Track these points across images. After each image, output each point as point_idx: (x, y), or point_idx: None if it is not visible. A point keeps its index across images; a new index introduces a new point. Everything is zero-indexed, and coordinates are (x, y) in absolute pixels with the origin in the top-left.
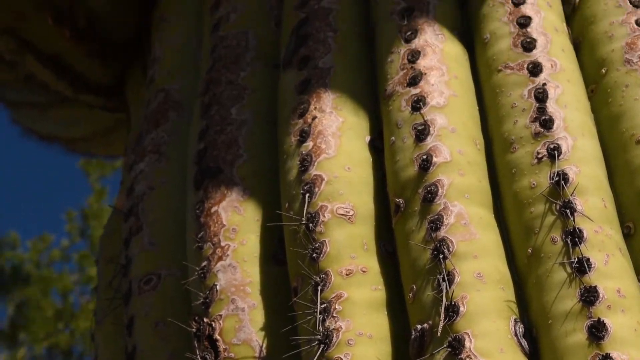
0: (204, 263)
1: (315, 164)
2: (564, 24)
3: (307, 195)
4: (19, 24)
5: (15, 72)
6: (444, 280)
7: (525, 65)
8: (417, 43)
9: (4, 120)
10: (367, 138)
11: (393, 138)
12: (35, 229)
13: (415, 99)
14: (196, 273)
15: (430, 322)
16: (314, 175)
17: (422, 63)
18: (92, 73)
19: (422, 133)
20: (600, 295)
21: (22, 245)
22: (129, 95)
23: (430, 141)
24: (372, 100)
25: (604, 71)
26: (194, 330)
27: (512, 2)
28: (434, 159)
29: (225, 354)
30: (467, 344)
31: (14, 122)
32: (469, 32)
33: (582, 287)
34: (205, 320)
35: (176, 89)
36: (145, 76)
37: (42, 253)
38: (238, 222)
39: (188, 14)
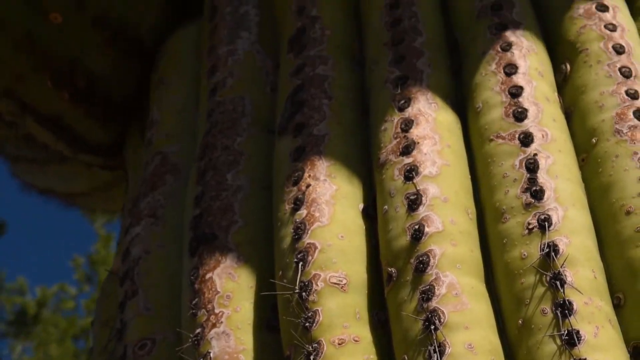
0: (198, 330)
1: (309, 232)
2: (555, 93)
3: (301, 263)
4: (19, 86)
5: (15, 131)
6: (435, 351)
7: (517, 135)
8: (410, 112)
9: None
10: (361, 206)
11: (386, 207)
12: (42, 275)
13: (408, 168)
14: (190, 340)
15: None
16: (308, 243)
17: (415, 132)
18: (91, 134)
19: (414, 203)
20: None
21: (30, 290)
22: (128, 156)
23: (422, 211)
24: (366, 167)
25: (594, 141)
26: None
27: (504, 72)
28: (426, 229)
29: None
30: None
31: (14, 176)
32: (462, 100)
33: (571, 359)
34: None
35: (174, 151)
36: (143, 137)
37: (50, 299)
38: (232, 289)
39: (186, 77)
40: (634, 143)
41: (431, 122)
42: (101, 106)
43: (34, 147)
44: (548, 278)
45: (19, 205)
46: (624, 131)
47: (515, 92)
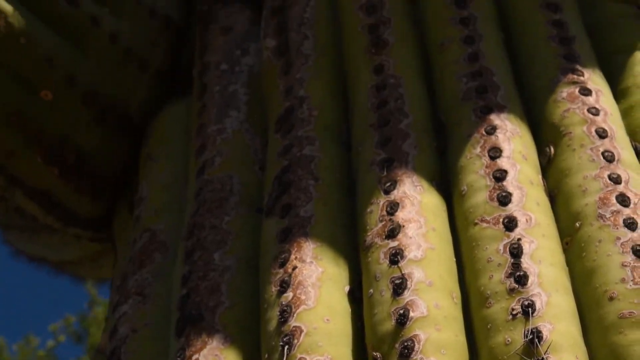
0: None
1: (295, 315)
2: (539, 176)
3: (286, 347)
4: (9, 161)
5: (5, 204)
6: None
7: (501, 220)
8: (395, 194)
9: None
10: (347, 288)
11: (371, 290)
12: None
13: (394, 252)
14: None
15: None
16: (293, 326)
17: (400, 215)
18: (80, 208)
19: (399, 287)
20: None
21: (8, 349)
22: (116, 230)
23: (407, 295)
24: (352, 249)
25: (578, 225)
26: None
27: (489, 155)
28: (411, 314)
29: None
30: None
31: (4, 243)
32: (447, 181)
33: None
34: None
35: (162, 229)
36: (131, 212)
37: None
38: None
39: (175, 154)
40: (617, 228)
41: (416, 204)
42: (90, 181)
43: (25, 218)
44: None
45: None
46: (607, 216)
47: (500, 175)
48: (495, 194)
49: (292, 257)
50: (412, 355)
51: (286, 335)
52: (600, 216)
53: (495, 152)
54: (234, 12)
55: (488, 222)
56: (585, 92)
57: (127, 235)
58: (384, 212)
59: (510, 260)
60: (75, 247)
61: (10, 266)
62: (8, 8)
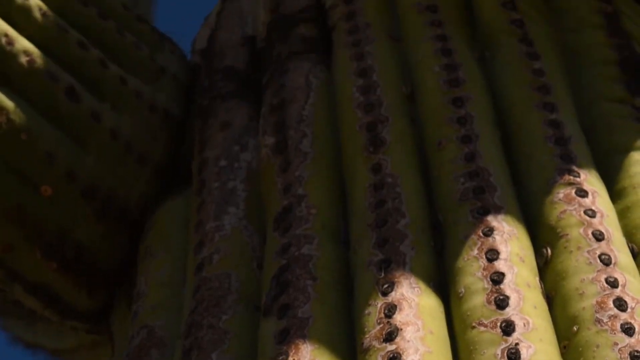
0: None
1: None
2: (537, 278)
3: None
4: (8, 255)
5: (3, 297)
6: None
7: (499, 324)
8: (393, 296)
9: None
10: None
11: None
12: None
13: (391, 355)
14: None
15: None
16: None
17: (398, 318)
18: (78, 301)
19: None
20: None
21: None
22: (114, 323)
23: None
24: (350, 351)
25: (575, 329)
26: None
27: (486, 257)
28: None
29: None
30: None
31: (2, 329)
32: (445, 282)
33: None
34: None
35: (160, 325)
36: (129, 306)
37: None
38: None
39: (174, 249)
40: (614, 333)
41: (414, 307)
42: (89, 275)
43: (23, 307)
44: None
45: None
46: (604, 320)
47: (497, 278)
48: (493, 297)
49: (290, 359)
50: None
51: None
52: (598, 320)
53: (492, 255)
54: (233, 107)
55: (486, 325)
56: (582, 193)
57: (125, 329)
58: (382, 315)
59: None
60: (72, 336)
61: (7, 353)
62: (9, 104)
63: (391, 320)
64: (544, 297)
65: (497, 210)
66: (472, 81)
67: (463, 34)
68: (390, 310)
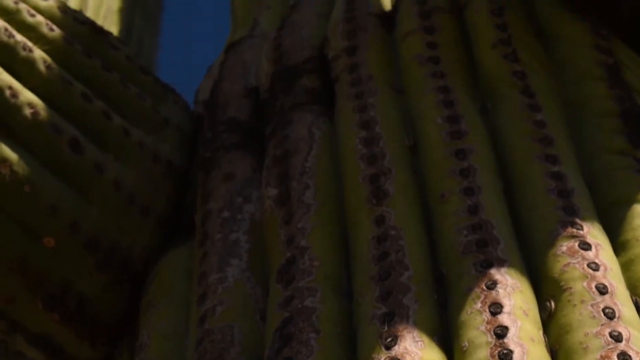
0: None
1: None
2: (540, 332)
3: None
4: (10, 306)
5: (5, 348)
6: None
7: None
8: (397, 350)
9: None
10: None
11: None
12: None
13: None
14: None
15: None
16: None
17: None
18: (81, 353)
19: None
20: None
21: None
22: None
23: None
24: None
25: None
26: None
27: (490, 311)
28: None
29: None
30: None
31: None
32: (448, 336)
33: None
34: None
35: None
36: (132, 358)
37: None
38: None
39: (177, 301)
40: None
41: None
42: (91, 326)
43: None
44: None
45: None
46: None
47: (501, 332)
48: (497, 352)
49: None
50: None
51: None
52: None
53: (496, 308)
54: (236, 158)
55: None
56: (585, 246)
57: None
58: None
59: None
60: None
61: None
62: (13, 156)
63: None
64: (548, 351)
65: (501, 263)
66: (474, 133)
67: (465, 85)
68: None
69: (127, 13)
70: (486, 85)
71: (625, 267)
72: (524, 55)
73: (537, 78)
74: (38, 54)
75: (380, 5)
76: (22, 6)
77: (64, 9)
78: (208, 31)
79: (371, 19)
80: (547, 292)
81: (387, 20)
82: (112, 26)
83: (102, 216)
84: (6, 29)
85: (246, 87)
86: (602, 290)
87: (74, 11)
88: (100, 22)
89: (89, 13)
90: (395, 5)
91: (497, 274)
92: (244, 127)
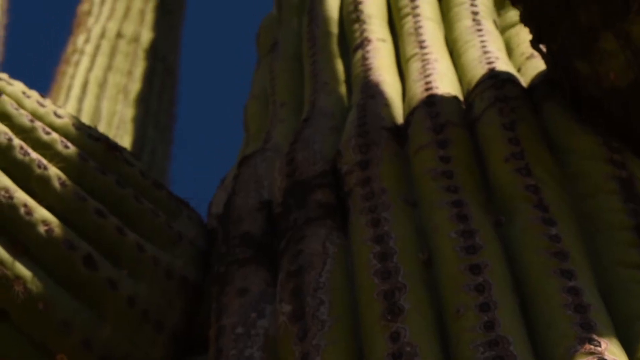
0: None
1: None
2: None
3: None
4: None
5: None
6: None
7: None
8: None
9: None
10: None
11: None
12: None
13: None
14: None
15: None
16: None
17: None
18: None
19: None
20: None
21: None
22: None
23: None
24: None
25: None
26: None
27: None
28: None
29: None
30: None
31: None
32: None
33: None
34: None
35: None
36: None
37: None
38: None
39: None
40: None
41: None
42: None
43: None
44: None
45: None
46: None
47: None
48: None
49: None
50: None
51: None
52: None
53: None
54: (250, 273)
55: None
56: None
57: None
58: None
59: None
60: None
61: None
62: (27, 273)
63: None
64: None
65: None
66: (489, 248)
67: (479, 199)
68: None
69: (140, 123)
70: (500, 199)
71: None
72: (537, 168)
73: (551, 191)
74: (53, 171)
75: (392, 119)
76: (38, 124)
77: (79, 125)
78: (220, 141)
79: (383, 133)
80: None
81: (400, 133)
82: (125, 136)
83: (115, 333)
84: (21, 147)
85: (260, 201)
86: None
87: (89, 127)
88: (113, 132)
89: (102, 123)
90: (407, 119)
91: None
92: (257, 242)
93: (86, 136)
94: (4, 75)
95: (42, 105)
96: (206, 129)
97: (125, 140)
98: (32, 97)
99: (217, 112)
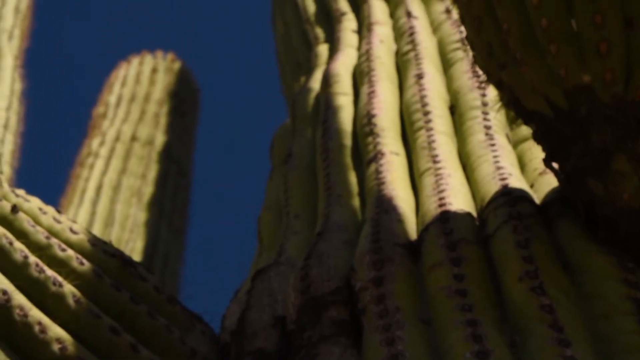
0: None
1: None
2: None
3: None
4: None
5: None
6: None
7: None
8: None
9: None
10: None
11: None
12: None
13: None
14: None
15: None
16: None
17: None
18: None
19: None
20: None
21: None
22: None
23: None
24: None
25: None
26: None
27: None
28: None
29: None
30: None
31: None
32: None
33: None
34: None
35: None
36: None
37: None
38: None
39: None
40: None
41: None
42: None
43: None
44: None
45: None
46: None
47: None
48: None
49: None
50: None
51: None
52: None
53: None
54: None
55: None
56: None
57: None
58: None
59: None
60: None
61: None
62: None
63: None
64: None
65: None
66: None
67: (493, 318)
68: None
69: (153, 226)
70: (514, 318)
71: None
72: (552, 288)
73: (566, 312)
74: (68, 288)
75: (406, 235)
76: (54, 241)
77: (94, 241)
78: (234, 245)
79: (397, 250)
80: None
81: (413, 249)
82: (138, 239)
83: None
84: (37, 264)
85: (274, 316)
86: None
87: (104, 242)
88: (126, 235)
89: (116, 226)
90: (421, 235)
91: None
92: (271, 358)
93: (101, 252)
94: (21, 192)
95: (58, 221)
96: (218, 233)
97: (138, 244)
98: (49, 214)
99: (229, 214)
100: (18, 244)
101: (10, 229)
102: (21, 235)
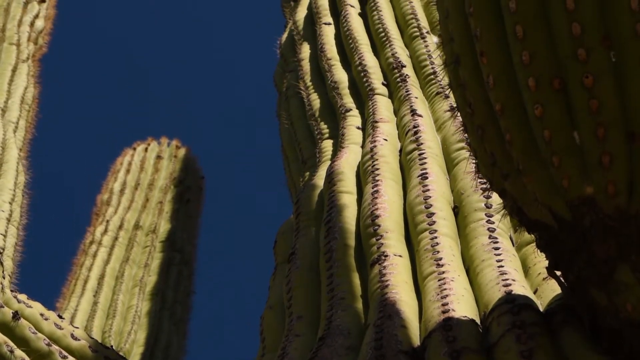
0: None
1: None
2: None
3: None
4: None
5: None
6: None
7: None
8: None
9: None
10: None
11: None
12: None
13: None
14: None
15: None
16: None
17: None
18: None
19: None
20: None
21: None
22: None
23: None
24: None
25: None
26: None
27: None
28: None
29: None
30: None
31: None
32: None
33: None
34: None
35: None
36: None
37: None
38: None
39: None
40: None
41: None
42: None
43: None
44: None
45: None
46: None
47: None
48: None
49: None
50: None
51: None
52: None
53: None
54: None
55: None
56: None
57: None
58: None
59: None
60: None
61: None
62: None
63: None
64: None
65: None
66: None
67: None
68: None
69: (155, 316)
70: None
71: None
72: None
73: None
74: None
75: (409, 341)
76: (55, 348)
77: (96, 347)
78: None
79: (400, 357)
80: None
81: (416, 356)
82: (140, 330)
83: None
84: None
85: None
86: None
87: (105, 348)
88: (128, 326)
89: (118, 317)
90: (424, 342)
91: None
92: None
93: (103, 359)
94: (23, 297)
95: (59, 327)
96: (220, 322)
97: (139, 335)
98: (50, 319)
99: (231, 299)
100: (19, 352)
101: (12, 336)
102: (22, 342)
